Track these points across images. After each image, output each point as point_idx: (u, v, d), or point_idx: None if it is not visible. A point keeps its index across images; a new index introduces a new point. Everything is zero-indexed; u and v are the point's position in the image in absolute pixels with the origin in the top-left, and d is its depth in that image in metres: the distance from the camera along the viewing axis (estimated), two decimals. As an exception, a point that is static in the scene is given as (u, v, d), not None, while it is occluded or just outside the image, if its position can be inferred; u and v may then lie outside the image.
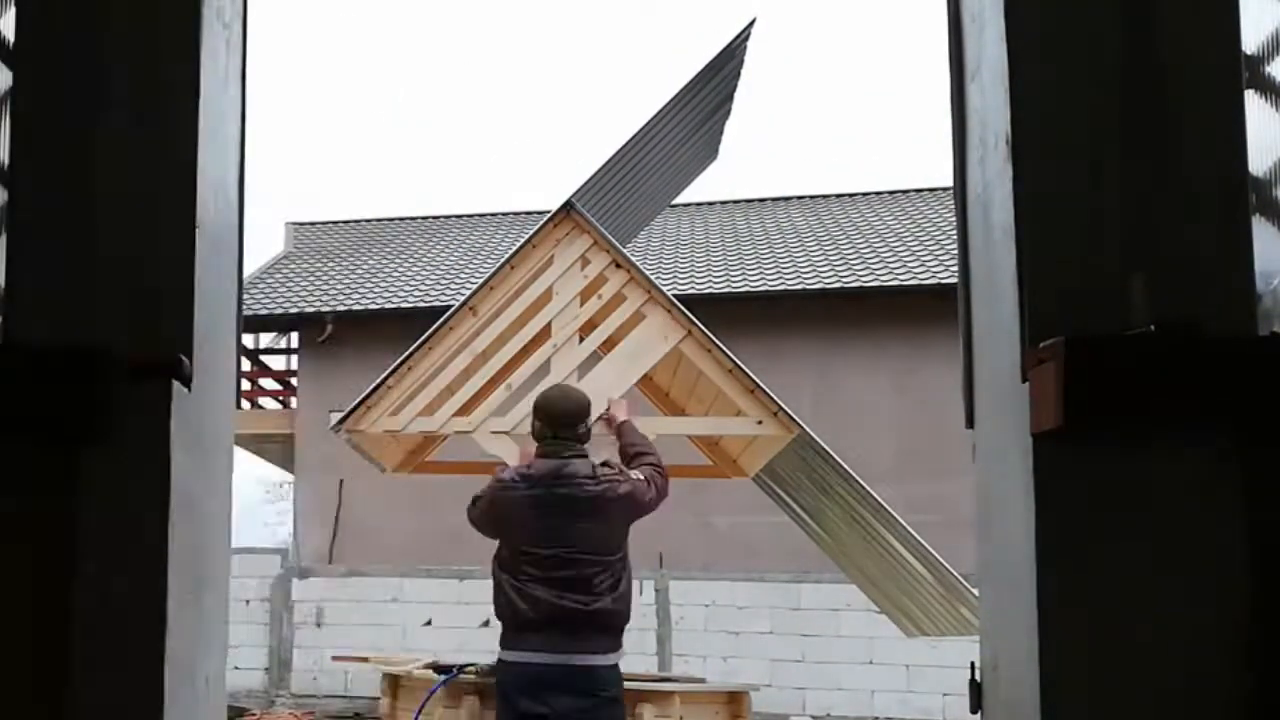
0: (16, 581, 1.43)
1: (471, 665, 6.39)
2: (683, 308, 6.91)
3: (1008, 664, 1.53)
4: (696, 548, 15.45)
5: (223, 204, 1.66)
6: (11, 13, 1.57)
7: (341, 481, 16.96)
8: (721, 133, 9.66)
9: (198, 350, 1.53)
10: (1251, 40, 1.51)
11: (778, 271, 18.23)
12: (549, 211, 7.03)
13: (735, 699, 7.31)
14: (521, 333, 6.85)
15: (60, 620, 1.41)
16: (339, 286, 19.58)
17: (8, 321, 1.50)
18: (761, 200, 22.53)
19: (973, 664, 1.69)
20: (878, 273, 17.58)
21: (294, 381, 19.75)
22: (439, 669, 6.45)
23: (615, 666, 4.74)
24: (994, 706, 1.62)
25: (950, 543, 7.55)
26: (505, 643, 4.74)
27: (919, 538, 7.24)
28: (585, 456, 4.84)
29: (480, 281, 7.00)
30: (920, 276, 17.13)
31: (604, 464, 4.89)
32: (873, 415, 16.08)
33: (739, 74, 8.81)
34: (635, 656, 13.51)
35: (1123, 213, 1.44)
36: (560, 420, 4.81)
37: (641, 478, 4.90)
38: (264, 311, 18.58)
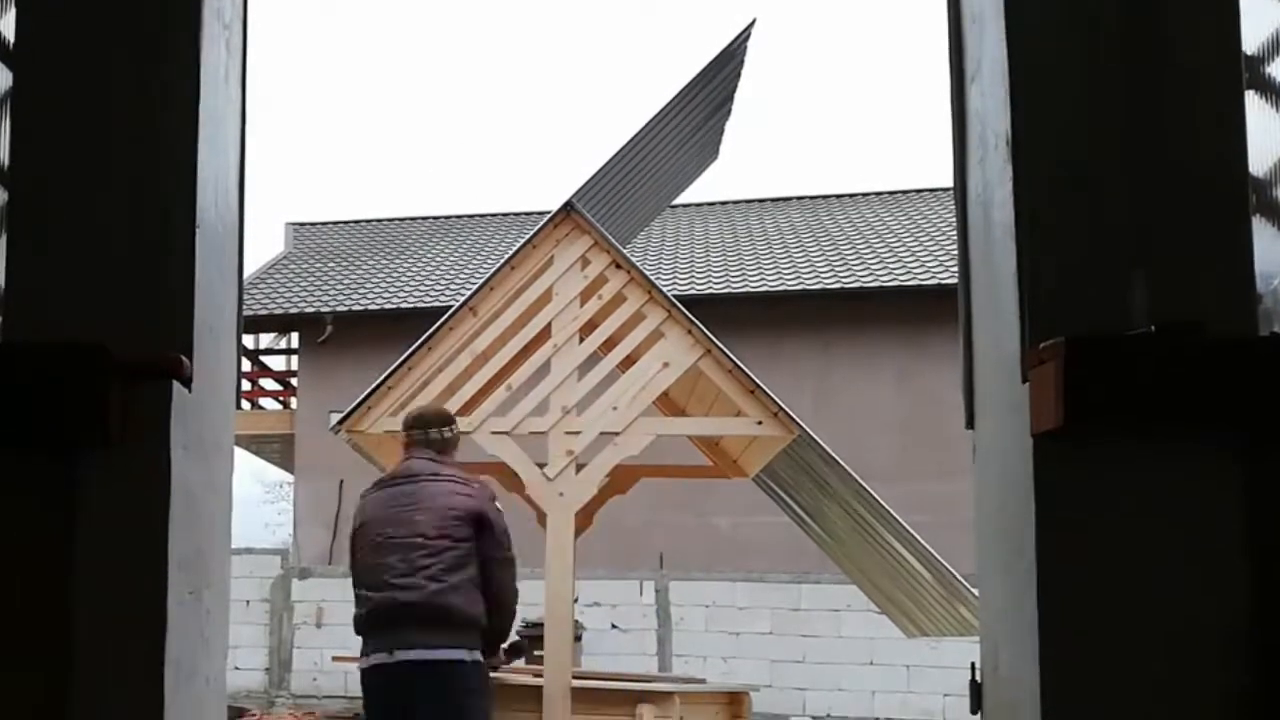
0: (16, 582, 1.43)
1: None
2: (683, 308, 6.92)
3: (1008, 664, 1.53)
4: (696, 548, 15.44)
5: (223, 204, 1.66)
6: (11, 13, 1.57)
7: (341, 481, 16.96)
8: (722, 133, 9.67)
9: (198, 350, 1.53)
10: (1251, 40, 1.51)
11: (778, 272, 18.23)
12: (549, 212, 7.03)
13: (735, 699, 7.32)
14: (522, 333, 6.86)
15: (60, 621, 1.41)
16: (339, 286, 19.59)
17: (7, 321, 1.50)
18: (761, 201, 22.54)
19: (973, 664, 1.69)
20: (877, 273, 17.58)
21: (294, 381, 19.76)
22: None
23: (464, 664, 4.75)
24: (994, 707, 1.62)
25: (950, 543, 7.55)
26: (361, 650, 4.89)
27: (919, 538, 7.24)
28: (437, 461, 5.04)
29: (480, 282, 7.00)
30: (920, 276, 17.14)
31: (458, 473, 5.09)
32: (873, 415, 16.09)
33: (739, 74, 8.81)
34: (635, 657, 13.52)
35: (1123, 213, 1.44)
36: (412, 422, 5.15)
37: (498, 524, 4.94)
38: (264, 311, 18.59)
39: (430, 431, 5.07)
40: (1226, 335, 1.39)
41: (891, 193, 21.88)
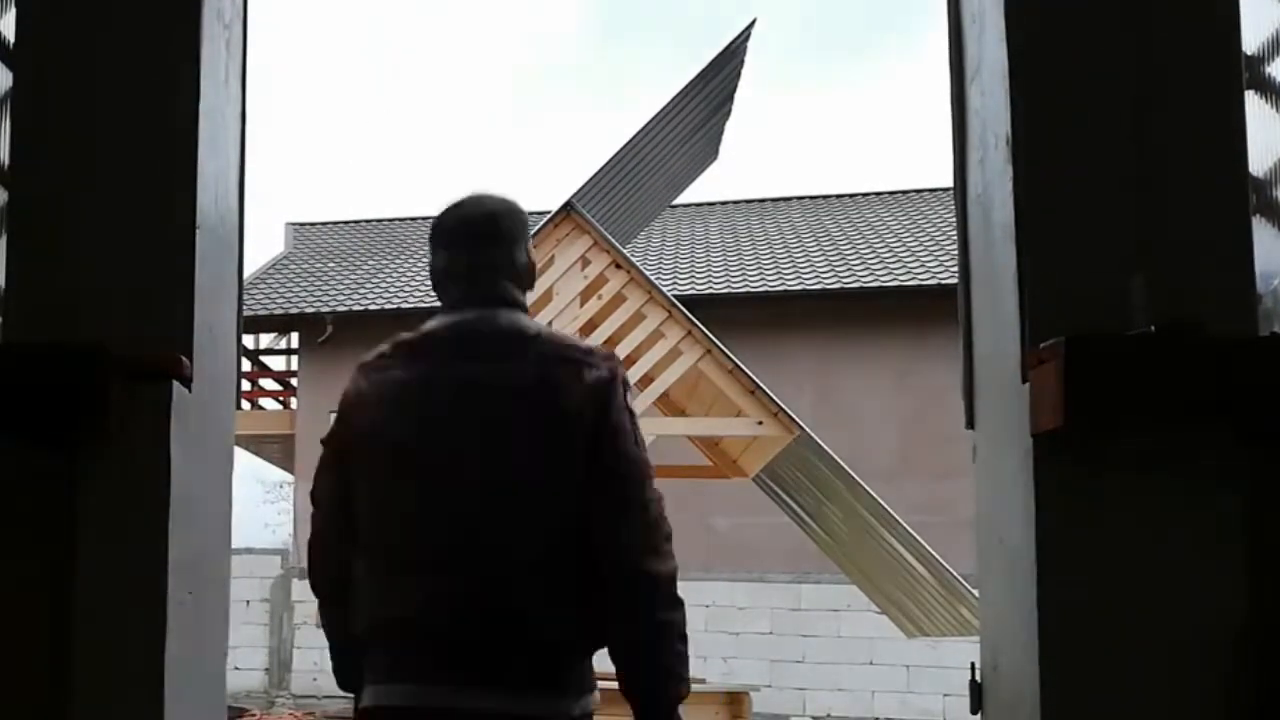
0: (18, 582, 1.43)
1: None
2: (683, 308, 6.92)
3: (1008, 664, 1.53)
4: (696, 548, 15.43)
5: (223, 204, 1.66)
6: (12, 13, 1.57)
7: (342, 482, 16.94)
8: (722, 133, 9.66)
9: (198, 350, 1.53)
10: (1251, 40, 1.51)
11: (778, 272, 18.22)
12: (549, 212, 7.03)
13: (735, 699, 7.31)
14: (522, 333, 6.85)
15: (61, 621, 1.41)
16: (339, 286, 19.58)
17: (7, 321, 1.50)
18: (762, 201, 22.52)
19: (973, 664, 1.69)
20: (878, 273, 17.57)
21: (294, 381, 19.75)
22: None
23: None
24: (994, 707, 1.62)
25: (950, 543, 7.55)
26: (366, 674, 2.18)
27: (919, 538, 7.24)
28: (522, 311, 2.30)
29: (480, 282, 6.99)
30: (920, 276, 17.12)
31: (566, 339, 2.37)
32: (873, 415, 16.07)
33: (739, 74, 8.81)
34: (635, 657, 13.49)
35: (1123, 213, 1.44)
36: (467, 242, 2.25)
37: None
38: (264, 311, 18.57)
39: (508, 260, 2.25)
40: (1226, 335, 1.39)
41: (891, 193, 21.87)
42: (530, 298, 2.20)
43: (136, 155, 1.52)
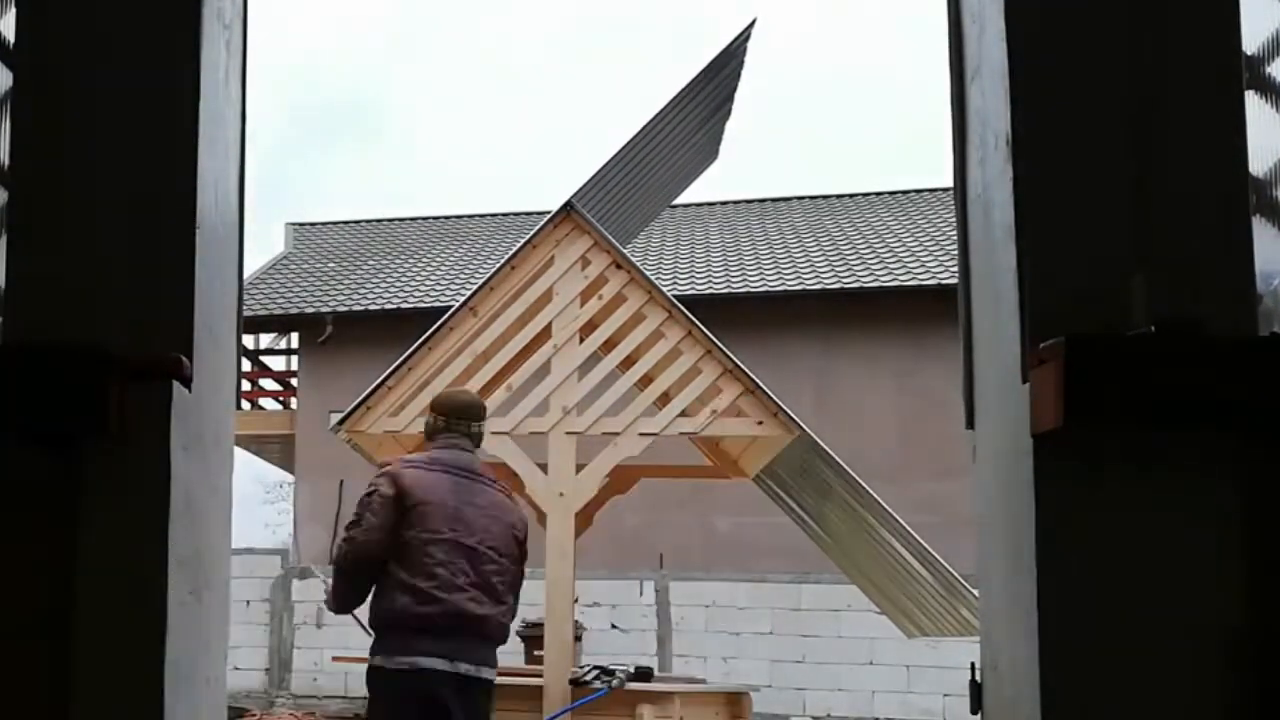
0: (16, 583, 1.43)
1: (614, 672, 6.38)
2: (683, 308, 6.92)
3: (1008, 664, 1.53)
4: (696, 548, 15.44)
5: (223, 204, 1.66)
6: (11, 13, 1.57)
7: (342, 481, 16.95)
8: (722, 133, 9.67)
9: (198, 350, 1.53)
10: (1251, 40, 1.51)
11: (778, 272, 18.23)
12: (549, 212, 7.04)
13: (735, 700, 7.32)
14: (522, 333, 6.86)
15: (60, 621, 1.41)
16: (339, 286, 19.59)
17: (7, 321, 1.50)
18: (762, 201, 22.53)
19: (973, 664, 1.69)
20: (878, 273, 17.58)
21: (294, 382, 19.76)
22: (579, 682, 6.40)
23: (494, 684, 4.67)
24: (994, 707, 1.62)
25: (950, 543, 7.55)
26: (390, 648, 4.46)
27: (919, 538, 7.24)
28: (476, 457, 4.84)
29: (481, 282, 7.00)
30: (920, 276, 17.14)
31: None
32: (873, 415, 16.08)
33: (739, 74, 8.81)
34: (635, 657, 13.53)
35: (1123, 213, 1.44)
36: (462, 410, 4.79)
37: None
38: (264, 311, 18.59)
39: (473, 425, 4.77)
40: (1226, 335, 1.39)
41: (892, 193, 21.88)
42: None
43: (136, 155, 1.52)
